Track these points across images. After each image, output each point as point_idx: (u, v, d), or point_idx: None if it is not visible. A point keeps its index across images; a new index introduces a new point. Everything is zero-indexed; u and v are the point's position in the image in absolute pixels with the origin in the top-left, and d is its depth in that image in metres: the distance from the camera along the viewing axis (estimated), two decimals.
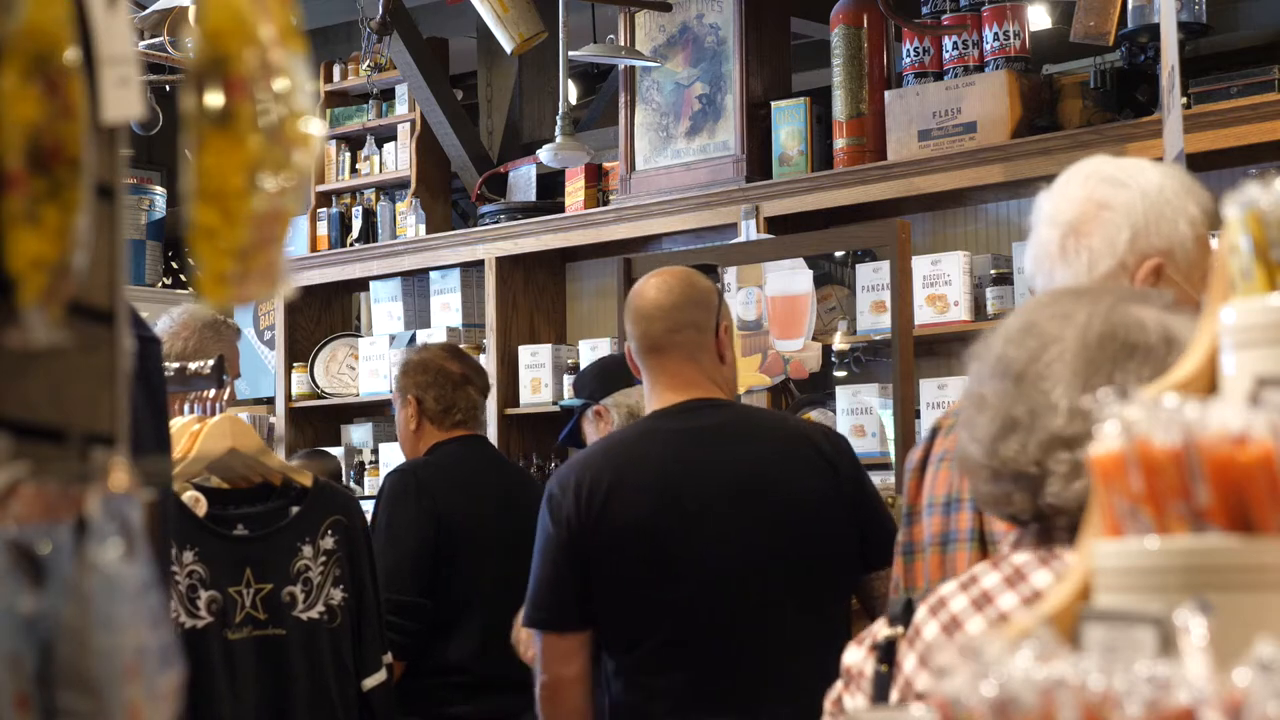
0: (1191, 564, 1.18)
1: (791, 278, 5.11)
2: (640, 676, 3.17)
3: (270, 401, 7.00)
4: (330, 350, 6.89)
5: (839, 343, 5.34)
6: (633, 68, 5.85)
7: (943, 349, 5.26)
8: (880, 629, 1.83)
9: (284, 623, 3.23)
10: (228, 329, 4.20)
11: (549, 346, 6.19)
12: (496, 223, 6.26)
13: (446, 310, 6.51)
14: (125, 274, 1.33)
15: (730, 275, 5.17)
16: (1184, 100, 4.41)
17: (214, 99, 1.31)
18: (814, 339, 5.16)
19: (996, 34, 5.12)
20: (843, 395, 5.31)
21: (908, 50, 5.28)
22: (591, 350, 5.93)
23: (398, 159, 6.74)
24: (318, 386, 6.82)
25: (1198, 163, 4.08)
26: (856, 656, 1.85)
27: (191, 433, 3.17)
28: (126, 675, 1.16)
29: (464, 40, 6.96)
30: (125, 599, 1.16)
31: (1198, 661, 1.07)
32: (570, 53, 5.29)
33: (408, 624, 4.09)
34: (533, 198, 6.39)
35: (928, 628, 1.77)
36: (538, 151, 5.59)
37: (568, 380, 5.69)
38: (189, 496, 3.16)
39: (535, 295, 6.40)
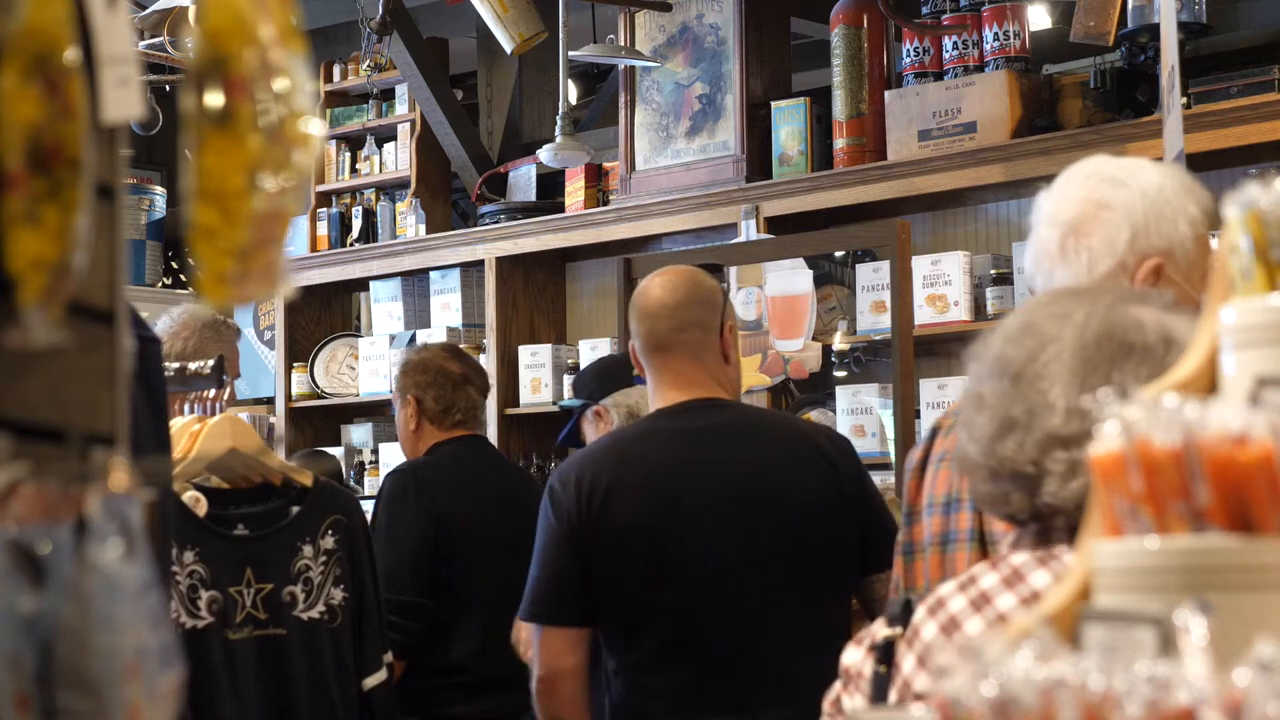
0: (1191, 564, 1.18)
1: (791, 278, 5.11)
2: (640, 676, 3.17)
3: (270, 401, 7.00)
4: (330, 350, 6.89)
5: (839, 343, 5.34)
6: (633, 68, 5.85)
7: (943, 349, 5.26)
8: (879, 629, 1.83)
9: (284, 622, 3.23)
10: (228, 329, 4.20)
11: (549, 346, 6.19)
12: (496, 223, 6.26)
13: (446, 310, 6.51)
14: (125, 274, 1.33)
15: (730, 275, 5.17)
16: (1184, 100, 4.41)
17: (214, 99, 1.31)
18: (814, 339, 5.16)
19: (996, 34, 5.12)
20: (843, 395, 5.31)
21: (908, 50, 5.28)
22: (591, 350, 5.93)
23: (398, 159, 6.74)
24: (318, 386, 6.82)
25: (1198, 163, 4.08)
26: (855, 657, 1.85)
27: (191, 433, 3.17)
28: (126, 675, 1.16)
29: (464, 40, 6.96)
30: (125, 599, 1.16)
31: (1198, 661, 1.07)
32: (570, 53, 5.30)
33: (408, 624, 4.09)
34: (533, 198, 6.39)
35: (926, 628, 1.77)
36: (538, 151, 5.59)
37: (568, 380, 5.69)
38: (189, 496, 3.16)
39: (535, 295, 6.40)
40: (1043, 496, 1.71)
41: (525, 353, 6.22)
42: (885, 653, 1.80)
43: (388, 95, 6.81)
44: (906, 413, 4.54)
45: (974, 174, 5.04)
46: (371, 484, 6.45)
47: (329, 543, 3.29)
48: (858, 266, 5.36)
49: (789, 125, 5.54)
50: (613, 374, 4.15)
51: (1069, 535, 1.71)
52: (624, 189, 5.89)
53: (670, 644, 3.15)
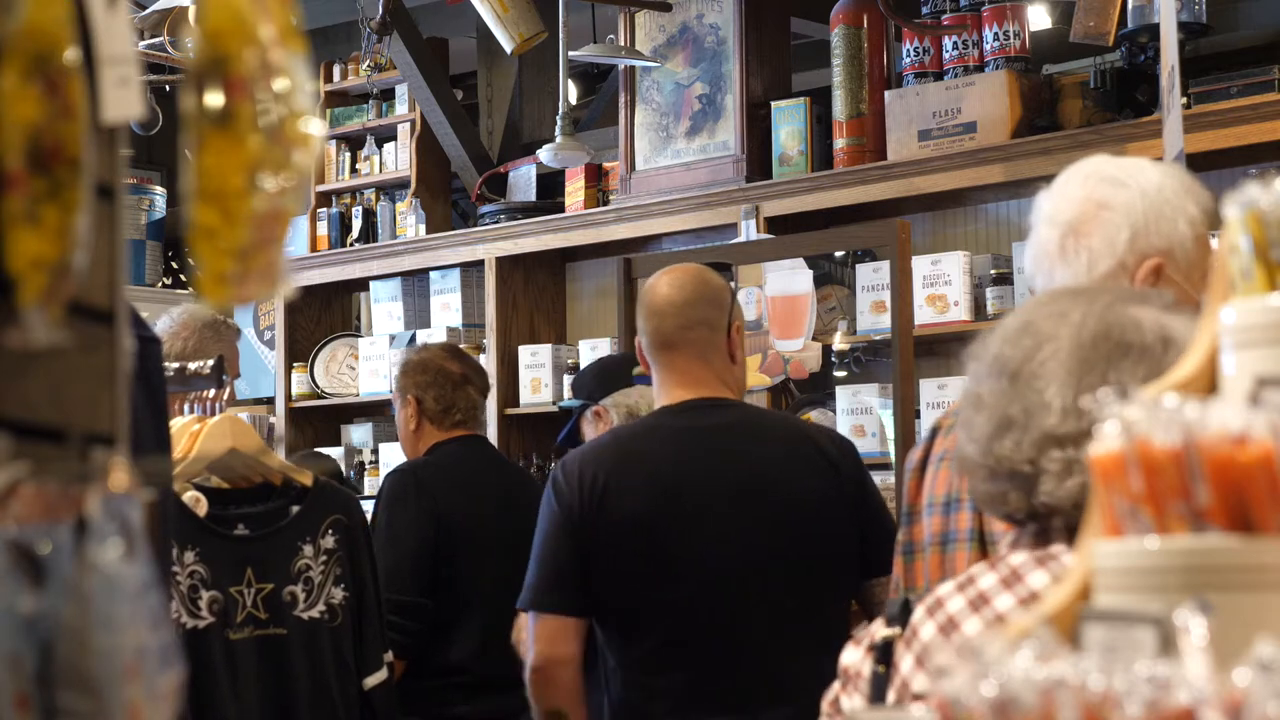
0: (1191, 564, 1.18)
1: (791, 278, 5.11)
2: (640, 675, 3.17)
3: (270, 401, 7.00)
4: (330, 350, 6.89)
5: (839, 343, 5.34)
6: (633, 68, 5.85)
7: (943, 349, 5.26)
8: (878, 629, 1.83)
9: (285, 622, 3.23)
10: (228, 329, 4.20)
11: (549, 346, 6.19)
12: (496, 223, 6.26)
13: (446, 310, 6.51)
14: (125, 274, 1.33)
15: None
16: (1184, 100, 4.41)
17: (214, 99, 1.31)
18: (814, 339, 5.16)
19: (996, 34, 5.12)
20: (843, 395, 5.31)
21: (908, 50, 5.28)
22: (591, 350, 5.93)
23: (398, 159, 6.74)
24: (318, 386, 6.82)
25: (1198, 163, 4.08)
26: (854, 657, 1.85)
27: (191, 433, 3.17)
28: (126, 675, 1.16)
29: (464, 40, 6.96)
30: (125, 599, 1.16)
31: (1198, 661, 1.07)
32: (570, 53, 5.29)
33: (408, 624, 4.09)
34: (533, 198, 6.39)
35: (925, 629, 1.77)
36: (538, 151, 5.59)
37: (568, 380, 5.69)
38: (189, 496, 3.16)
39: (535, 295, 6.40)
40: (1039, 496, 1.71)
41: (525, 353, 6.22)
42: (884, 653, 1.80)
43: (388, 95, 6.81)
44: (906, 413, 4.54)
45: (974, 174, 5.04)
46: (371, 484, 6.45)
47: (329, 542, 3.29)
48: (858, 266, 5.36)
49: (789, 125, 5.54)
50: (612, 374, 4.15)
51: (1067, 535, 1.71)
52: (624, 189, 5.89)
53: (670, 643, 3.15)
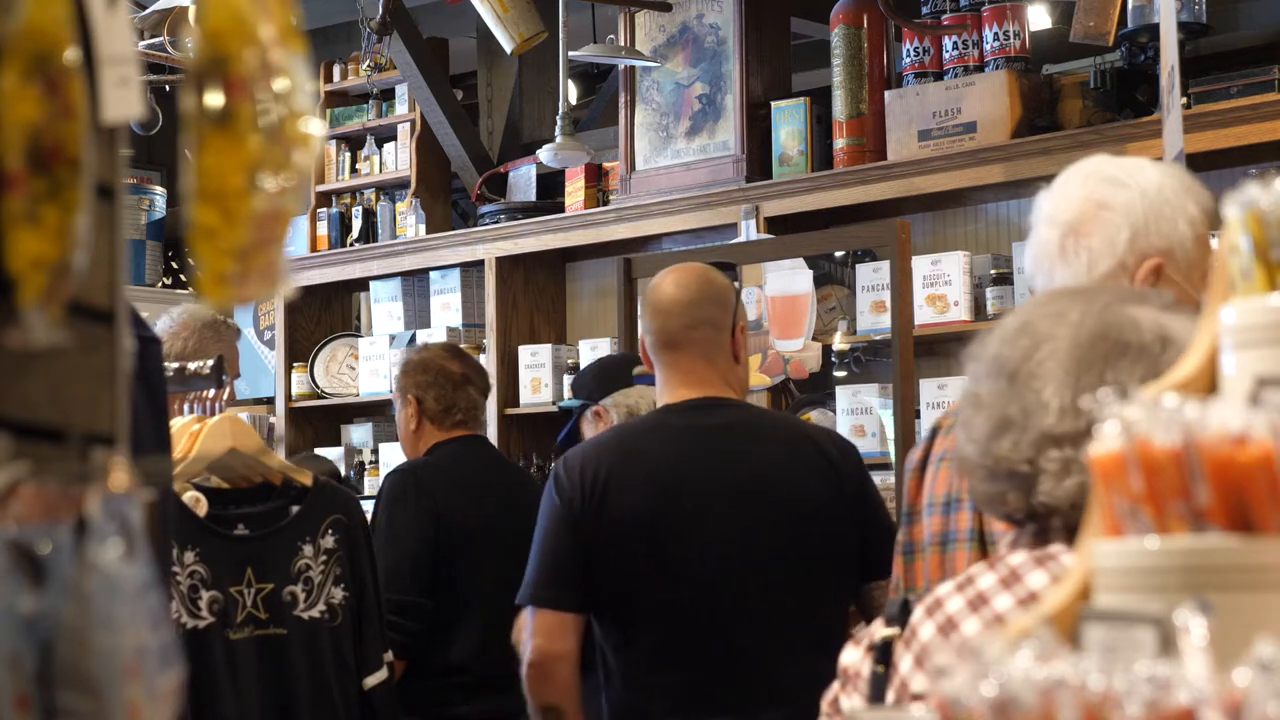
0: (1191, 564, 1.18)
1: (791, 278, 5.11)
2: (639, 675, 3.17)
3: (270, 401, 7.00)
4: (330, 350, 6.89)
5: (839, 343, 5.34)
6: (633, 68, 5.85)
7: (943, 349, 5.26)
8: (877, 629, 1.83)
9: (285, 622, 3.23)
10: (228, 329, 4.20)
11: (549, 346, 6.19)
12: (496, 223, 6.26)
13: (446, 310, 6.51)
14: (125, 274, 1.33)
15: None
16: (1184, 100, 4.41)
17: (214, 99, 1.31)
18: (814, 339, 5.16)
19: (996, 34, 5.12)
20: (843, 395, 5.31)
21: (908, 50, 5.28)
22: (591, 350, 5.93)
23: (398, 159, 6.74)
24: (318, 386, 6.82)
25: (1198, 163, 4.08)
26: (854, 657, 1.85)
27: (191, 433, 3.17)
28: (126, 675, 1.16)
29: (464, 40, 6.96)
30: (125, 599, 1.16)
31: (1198, 661, 1.07)
32: (570, 53, 5.29)
33: (408, 624, 4.09)
34: (533, 198, 6.39)
35: (924, 629, 1.77)
36: (538, 151, 5.59)
37: (568, 380, 5.69)
38: (189, 496, 3.16)
39: (535, 295, 6.40)
40: (1038, 495, 1.71)
41: (525, 353, 6.22)
42: (883, 653, 1.80)
43: (388, 95, 6.81)
44: (906, 413, 4.55)
45: (974, 174, 5.04)
46: (371, 484, 6.45)
47: (329, 542, 3.29)
48: (858, 266, 5.36)
49: (789, 125, 5.54)
50: (612, 374, 4.15)
51: (1066, 535, 1.71)
52: (624, 189, 5.89)
53: (668, 642, 3.15)
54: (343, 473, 6.44)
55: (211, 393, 3.18)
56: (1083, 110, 4.96)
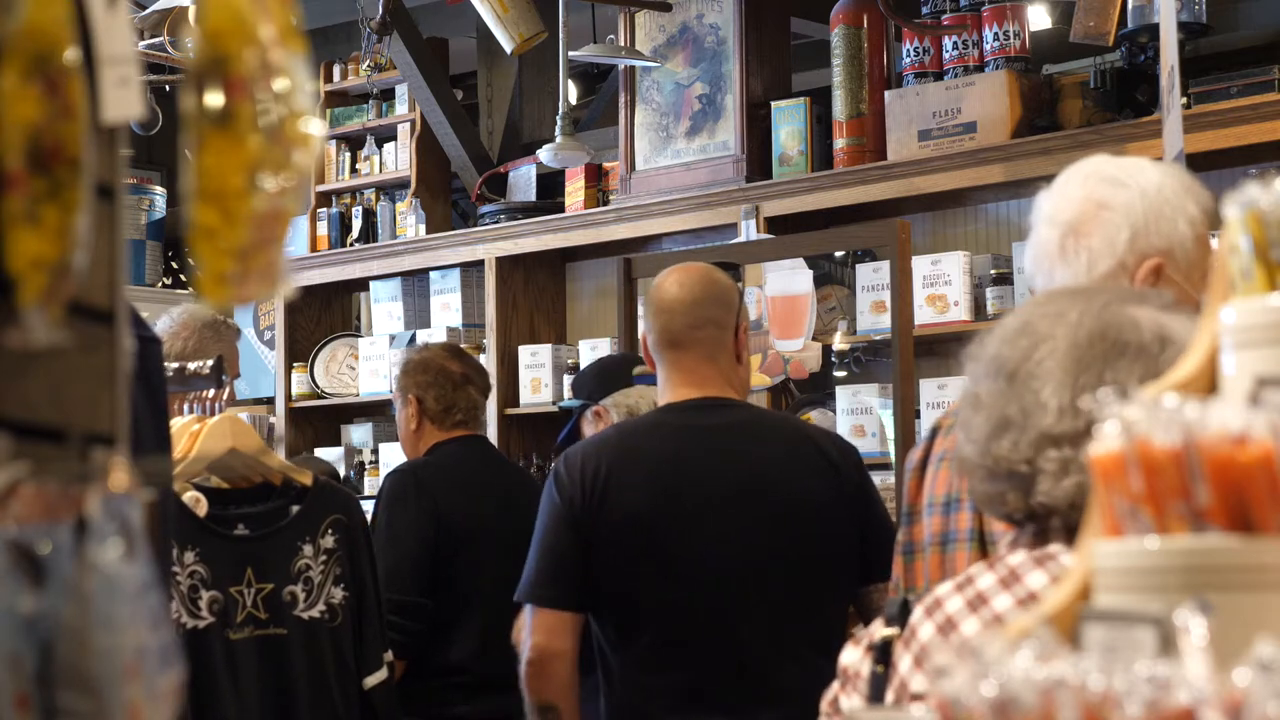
0: (1191, 564, 1.18)
1: (791, 278, 5.11)
2: (637, 675, 3.17)
3: (270, 401, 7.00)
4: (330, 350, 6.89)
5: (839, 343, 5.34)
6: (633, 68, 5.85)
7: (943, 349, 5.26)
8: (877, 629, 1.83)
9: (285, 622, 3.23)
10: (228, 329, 4.20)
11: (549, 346, 6.19)
12: (496, 223, 6.26)
13: (446, 310, 6.51)
14: (125, 274, 1.33)
15: None
16: (1184, 100, 4.41)
17: (214, 99, 1.31)
18: (814, 339, 5.16)
19: (996, 34, 5.12)
20: (843, 395, 5.31)
21: (908, 50, 5.28)
22: (591, 350, 5.93)
23: (398, 159, 6.74)
24: (318, 386, 6.82)
25: (1198, 163, 4.08)
26: (853, 657, 1.85)
27: (191, 433, 3.17)
28: (126, 675, 1.16)
29: (464, 40, 6.96)
30: (125, 599, 1.16)
31: (1198, 661, 1.07)
32: (570, 53, 5.29)
33: (408, 624, 4.09)
34: (533, 198, 6.39)
35: (923, 629, 1.77)
36: (538, 151, 5.59)
37: (568, 380, 5.69)
38: (189, 496, 3.16)
39: (535, 295, 6.40)
40: (1037, 495, 1.71)
41: (525, 353, 6.22)
42: (883, 653, 1.80)
43: (388, 95, 6.81)
44: (906, 413, 4.55)
45: (974, 174, 5.04)
46: (371, 484, 6.45)
47: (329, 542, 3.29)
48: (858, 266, 5.36)
49: (789, 125, 5.54)
50: (612, 374, 4.15)
51: (1065, 535, 1.72)
52: (624, 189, 5.89)
53: (667, 642, 3.15)
54: (342, 473, 6.44)
55: (211, 393, 3.18)
56: (1083, 110, 4.96)
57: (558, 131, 5.31)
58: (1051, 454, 1.69)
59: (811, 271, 5.17)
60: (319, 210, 6.88)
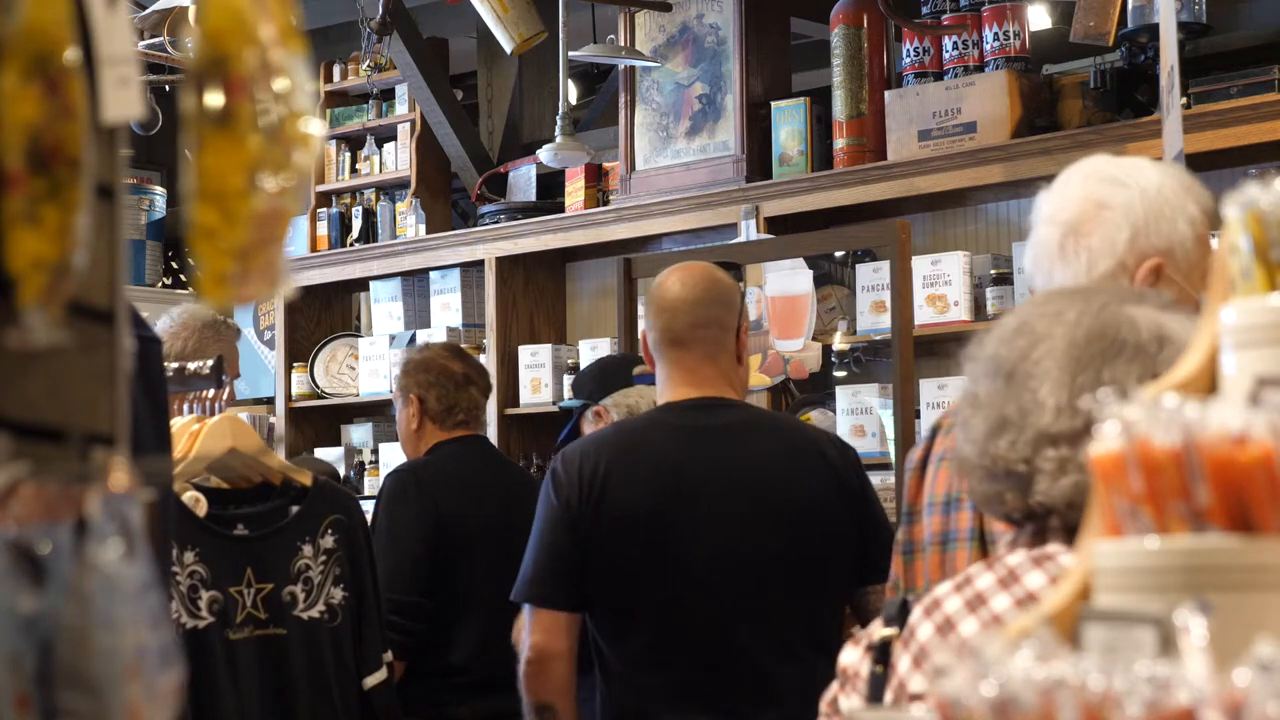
0: (1191, 564, 1.18)
1: (791, 278, 5.11)
2: (634, 674, 3.17)
3: (270, 401, 7.00)
4: (330, 350, 6.89)
5: (839, 343, 5.34)
6: (633, 68, 5.84)
7: (943, 349, 5.26)
8: (876, 630, 1.83)
9: (285, 622, 3.23)
10: (228, 329, 4.20)
11: (549, 346, 6.19)
12: (496, 223, 6.26)
13: (446, 310, 6.51)
14: (125, 274, 1.33)
15: None
16: (1184, 100, 4.41)
17: (214, 99, 1.31)
18: (814, 339, 5.16)
19: (996, 34, 5.12)
20: (843, 395, 5.31)
21: (908, 50, 5.28)
22: (591, 350, 5.93)
23: (398, 159, 6.74)
24: (318, 386, 6.82)
25: (1198, 163, 4.08)
26: (853, 657, 1.85)
27: (191, 433, 3.17)
28: (126, 675, 1.16)
29: (464, 40, 6.96)
30: (125, 599, 1.16)
31: (1198, 661, 1.07)
32: (570, 53, 5.29)
33: (408, 624, 4.08)
34: (533, 198, 6.39)
35: (922, 629, 1.77)
36: (538, 151, 5.59)
37: (568, 380, 5.69)
38: (189, 496, 3.16)
39: (535, 295, 6.40)
40: (1035, 495, 1.71)
41: (525, 353, 6.22)
42: (882, 653, 1.80)
43: (388, 95, 6.81)
44: (906, 413, 4.55)
45: (974, 174, 5.04)
46: (371, 484, 6.45)
47: (329, 542, 3.29)
48: (858, 266, 5.36)
49: (789, 125, 5.54)
50: (612, 374, 4.15)
51: (1064, 535, 1.72)
52: (624, 189, 5.89)
53: (665, 642, 3.15)
54: (342, 473, 6.44)
55: (211, 393, 3.18)
56: (1083, 110, 4.96)
57: (558, 131, 5.31)
58: (1049, 453, 1.69)
59: (811, 271, 5.16)
60: (319, 210, 6.88)
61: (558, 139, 5.30)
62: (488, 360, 6.19)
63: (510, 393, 6.23)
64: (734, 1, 5.64)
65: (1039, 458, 1.70)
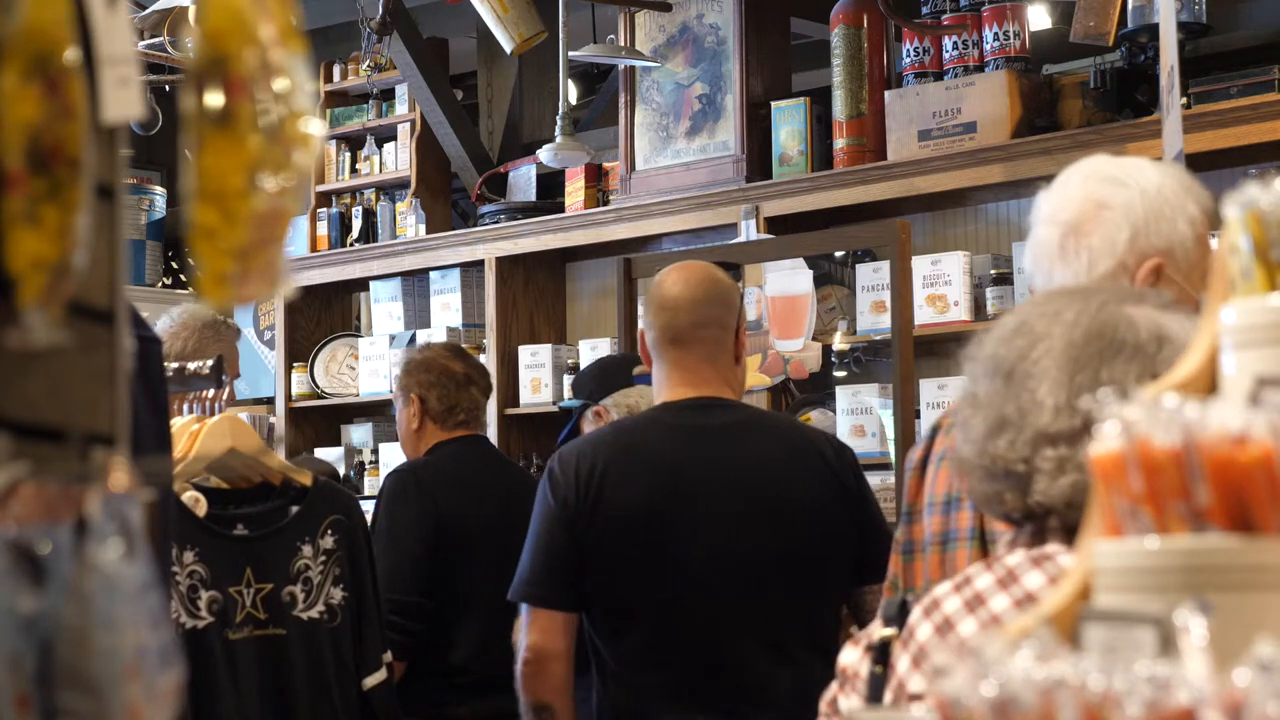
0: (1191, 564, 1.18)
1: (791, 278, 5.11)
2: (631, 674, 3.17)
3: (270, 401, 7.00)
4: (330, 350, 6.89)
5: (839, 343, 5.34)
6: (633, 68, 5.84)
7: (943, 349, 5.26)
8: (875, 630, 1.83)
9: (284, 622, 3.23)
10: (228, 329, 4.20)
11: (549, 346, 6.19)
12: (496, 223, 6.26)
13: (446, 310, 6.51)
14: (125, 274, 1.33)
15: None
16: (1184, 100, 4.41)
17: (214, 99, 1.31)
18: (814, 339, 5.16)
19: (996, 34, 5.12)
20: (843, 395, 5.31)
21: (908, 50, 5.28)
22: (591, 350, 5.93)
23: (398, 159, 6.74)
24: (318, 386, 6.82)
25: (1198, 163, 4.08)
26: (852, 657, 1.85)
27: (191, 433, 3.17)
28: (126, 675, 1.16)
29: (464, 40, 6.96)
30: (125, 599, 1.16)
31: (1198, 661, 1.07)
32: (570, 53, 5.29)
33: (408, 624, 4.08)
34: (533, 198, 6.39)
35: (921, 629, 1.77)
36: (538, 151, 5.59)
37: (568, 380, 5.69)
38: (189, 496, 3.16)
39: (535, 295, 6.40)
40: (1034, 494, 1.71)
41: (525, 353, 6.22)
42: (881, 653, 1.80)
43: (388, 95, 6.81)
44: (906, 413, 4.55)
45: (974, 174, 5.04)
46: (371, 484, 6.45)
47: (328, 542, 3.29)
48: (858, 266, 5.36)
49: (789, 125, 5.54)
50: (612, 374, 4.15)
51: (1063, 535, 1.72)
52: (624, 189, 5.89)
53: (662, 642, 3.15)
54: (342, 473, 6.44)
55: (211, 393, 3.18)
56: (1083, 110, 4.96)
57: (558, 131, 5.31)
58: (1048, 453, 1.69)
59: (811, 271, 5.16)
60: (319, 210, 6.88)
61: (558, 139, 5.30)
62: (488, 360, 6.19)
63: (510, 393, 6.23)
64: (734, 1, 5.64)
65: (1038, 457, 1.70)
